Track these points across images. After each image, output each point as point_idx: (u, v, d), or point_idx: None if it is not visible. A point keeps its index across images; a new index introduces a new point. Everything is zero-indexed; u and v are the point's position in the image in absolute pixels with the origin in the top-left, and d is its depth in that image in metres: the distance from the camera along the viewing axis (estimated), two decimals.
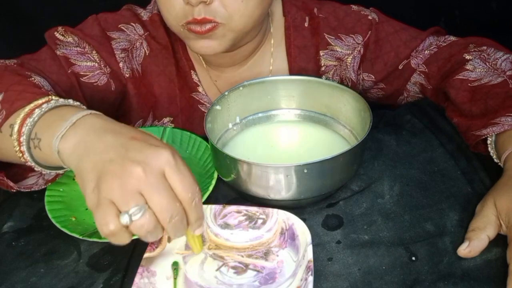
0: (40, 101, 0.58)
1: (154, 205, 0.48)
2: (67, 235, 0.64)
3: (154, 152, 0.49)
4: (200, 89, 0.88)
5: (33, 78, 0.66)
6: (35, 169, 0.60)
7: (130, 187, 0.47)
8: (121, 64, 0.81)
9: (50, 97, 0.59)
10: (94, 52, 0.79)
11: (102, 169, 0.48)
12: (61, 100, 0.58)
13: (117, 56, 0.81)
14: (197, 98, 0.88)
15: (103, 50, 0.79)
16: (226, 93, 0.75)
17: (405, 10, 1.13)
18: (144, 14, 0.84)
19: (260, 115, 0.80)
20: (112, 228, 0.47)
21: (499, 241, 0.57)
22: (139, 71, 0.85)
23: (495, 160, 0.67)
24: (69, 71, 0.77)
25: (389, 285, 0.55)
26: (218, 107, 0.74)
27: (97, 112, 0.56)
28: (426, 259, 0.57)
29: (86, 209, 0.71)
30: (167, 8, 0.70)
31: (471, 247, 0.56)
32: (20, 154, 0.58)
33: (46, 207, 0.69)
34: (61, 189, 0.74)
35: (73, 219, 0.68)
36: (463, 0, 1.12)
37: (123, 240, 0.49)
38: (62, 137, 0.53)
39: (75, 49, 0.78)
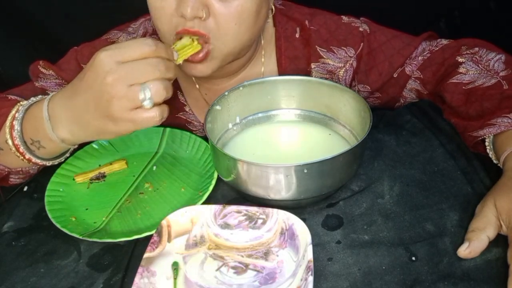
0: (13, 112, 0.67)
1: (143, 79, 0.56)
2: (67, 235, 0.64)
3: (98, 64, 0.57)
4: (187, 108, 0.87)
5: (8, 96, 0.76)
6: (47, 164, 0.71)
7: (122, 92, 0.56)
8: None
9: (18, 105, 0.67)
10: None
11: (102, 112, 0.58)
12: (26, 104, 0.67)
13: None
14: (184, 118, 0.88)
15: None
16: (226, 93, 0.75)
17: (405, 11, 1.13)
18: (124, 38, 0.84)
19: (260, 115, 0.80)
20: (154, 115, 0.58)
21: (499, 241, 0.57)
22: None
23: (494, 161, 0.67)
24: None
25: (389, 285, 0.55)
26: (218, 107, 0.74)
27: (52, 94, 0.65)
28: (426, 259, 0.57)
29: (86, 209, 0.71)
30: (160, 19, 0.69)
31: (471, 247, 0.56)
32: (27, 162, 0.68)
33: (46, 207, 0.69)
34: (61, 189, 0.74)
35: (73, 219, 0.68)
36: (463, 0, 1.12)
37: (166, 112, 0.60)
38: (53, 130, 0.63)
39: (54, 81, 0.83)
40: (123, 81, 0.56)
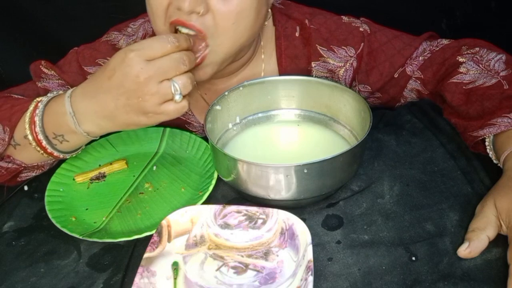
0: (31, 108, 0.68)
1: (171, 75, 0.61)
2: (67, 235, 0.64)
3: (127, 64, 0.60)
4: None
5: (13, 95, 0.78)
6: (66, 157, 0.73)
7: (153, 89, 0.60)
8: None
9: (36, 101, 0.69)
10: (70, 86, 0.83)
11: (135, 108, 0.62)
12: (44, 99, 0.69)
13: None
14: (184, 119, 0.87)
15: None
16: (226, 93, 0.75)
17: (406, 12, 1.13)
18: (124, 41, 0.84)
19: (260, 115, 0.80)
20: (184, 105, 0.63)
21: (499, 241, 0.57)
22: None
23: (494, 161, 0.67)
24: None
25: (389, 285, 0.55)
26: (218, 107, 0.74)
27: (71, 89, 0.67)
28: (426, 259, 0.57)
29: (86, 209, 0.71)
30: (156, 13, 0.68)
31: (471, 247, 0.56)
32: (48, 155, 0.70)
33: (46, 207, 0.69)
34: (61, 189, 0.74)
35: (73, 219, 0.68)
36: (463, 0, 1.12)
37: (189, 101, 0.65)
38: (79, 125, 0.65)
39: (57, 81, 0.83)
40: (154, 78, 0.60)
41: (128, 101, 0.61)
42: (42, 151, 0.69)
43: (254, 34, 0.73)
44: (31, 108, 0.68)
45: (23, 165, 0.73)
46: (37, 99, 0.69)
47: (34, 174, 0.77)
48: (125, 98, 0.61)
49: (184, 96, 0.63)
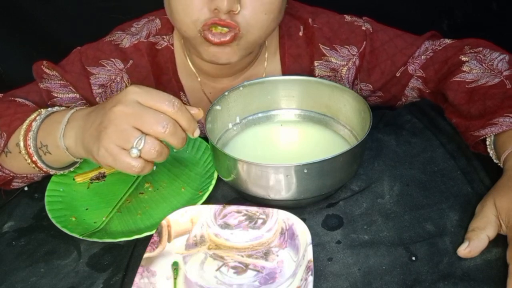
0: (33, 116, 0.68)
1: (146, 128, 0.56)
2: (67, 235, 0.64)
3: (122, 93, 0.58)
4: None
5: (17, 100, 0.77)
6: (50, 173, 0.71)
7: (121, 126, 0.56)
8: (97, 99, 0.83)
9: (39, 110, 0.70)
10: (72, 86, 0.83)
11: (97, 134, 0.58)
12: (49, 109, 0.70)
13: (94, 92, 0.82)
14: None
15: (80, 87, 0.82)
16: (226, 93, 0.75)
17: (407, 11, 1.13)
18: (128, 41, 0.83)
19: (260, 115, 0.80)
20: (135, 164, 0.57)
21: (499, 241, 0.57)
22: None
23: (495, 160, 0.67)
24: (48, 103, 0.82)
25: (389, 285, 0.55)
26: (218, 107, 0.74)
27: (82, 107, 0.68)
28: (426, 259, 0.57)
29: (86, 209, 0.71)
30: (186, 11, 0.68)
31: (471, 247, 0.56)
32: (34, 165, 0.68)
33: (46, 207, 0.69)
34: (61, 189, 0.74)
35: (73, 219, 0.68)
36: (464, 1, 1.12)
37: (148, 169, 0.59)
38: (63, 136, 0.64)
39: (59, 82, 0.82)
40: (128, 118, 0.56)
41: (95, 124, 0.59)
42: (28, 159, 0.67)
43: (279, 22, 0.74)
44: (32, 116, 0.68)
45: (11, 174, 0.72)
46: (40, 110, 0.69)
47: (23, 184, 0.76)
48: (97, 121, 0.59)
49: (144, 159, 0.58)
